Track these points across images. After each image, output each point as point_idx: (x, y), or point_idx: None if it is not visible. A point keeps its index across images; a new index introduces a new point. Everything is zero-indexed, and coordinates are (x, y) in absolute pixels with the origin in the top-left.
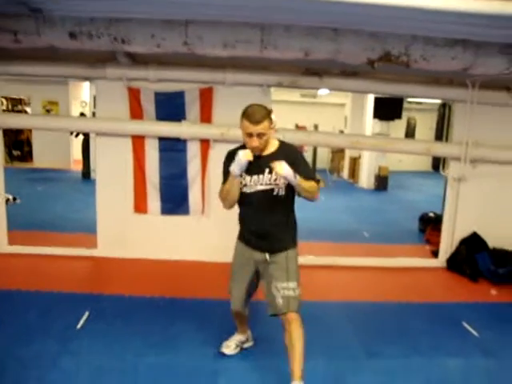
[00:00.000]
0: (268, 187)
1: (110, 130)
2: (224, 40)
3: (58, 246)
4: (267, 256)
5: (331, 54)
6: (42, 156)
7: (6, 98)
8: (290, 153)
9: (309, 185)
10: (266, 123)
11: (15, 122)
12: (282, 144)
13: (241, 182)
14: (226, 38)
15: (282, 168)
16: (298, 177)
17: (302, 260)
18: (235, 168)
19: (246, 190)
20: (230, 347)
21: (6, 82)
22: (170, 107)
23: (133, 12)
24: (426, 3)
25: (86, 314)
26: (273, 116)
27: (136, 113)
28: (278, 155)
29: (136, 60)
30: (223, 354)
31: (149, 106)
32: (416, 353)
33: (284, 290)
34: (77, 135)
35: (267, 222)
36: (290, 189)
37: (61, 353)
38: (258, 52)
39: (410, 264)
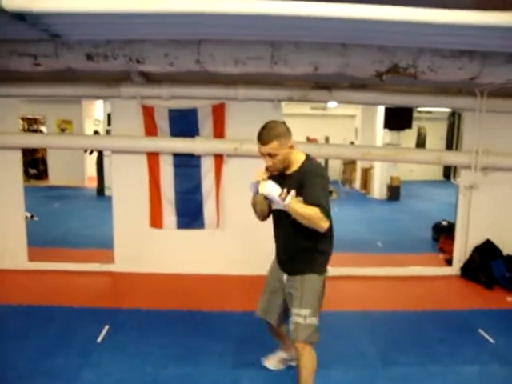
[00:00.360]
0: (279, 207)
1: (126, 148)
2: (235, 57)
3: (75, 262)
4: (285, 277)
5: (340, 67)
6: (57, 174)
7: (22, 118)
8: (305, 173)
9: (306, 211)
10: (274, 143)
11: (34, 141)
12: (305, 162)
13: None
14: (237, 55)
15: (263, 187)
16: (288, 199)
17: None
18: (249, 187)
19: (274, 207)
20: (270, 360)
21: (22, 102)
22: (184, 124)
23: (146, 33)
24: (432, 18)
25: (106, 327)
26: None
27: (150, 130)
28: (296, 175)
29: (150, 78)
30: (265, 367)
31: (163, 122)
32: (432, 361)
33: (295, 316)
34: (91, 153)
35: (287, 243)
36: None
37: (83, 365)
38: (268, 68)
39: (424, 273)
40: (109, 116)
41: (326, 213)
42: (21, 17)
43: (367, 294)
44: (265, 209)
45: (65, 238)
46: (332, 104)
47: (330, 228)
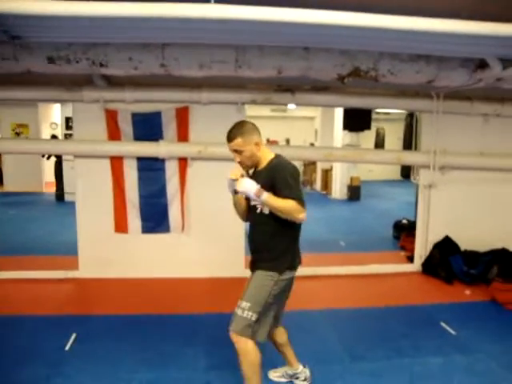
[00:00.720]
0: (255, 203)
1: (89, 152)
2: (200, 61)
3: (38, 270)
4: (250, 272)
5: (303, 70)
6: (13, 179)
7: None
8: (274, 169)
9: (281, 204)
10: (239, 140)
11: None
12: (274, 160)
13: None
14: (202, 59)
15: (241, 184)
16: (265, 195)
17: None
18: (227, 185)
19: (252, 203)
20: (275, 372)
21: None
22: (147, 127)
23: (110, 37)
24: (391, 23)
25: (74, 335)
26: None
27: (114, 134)
28: (264, 171)
29: (112, 82)
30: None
31: (126, 126)
32: (398, 354)
33: (237, 306)
34: (48, 157)
35: (254, 238)
36: None
37: (51, 375)
38: (232, 71)
39: (386, 270)
40: (67, 119)
41: (302, 204)
42: None
43: (331, 292)
44: (244, 207)
45: (24, 245)
46: (292, 106)
47: (296, 227)
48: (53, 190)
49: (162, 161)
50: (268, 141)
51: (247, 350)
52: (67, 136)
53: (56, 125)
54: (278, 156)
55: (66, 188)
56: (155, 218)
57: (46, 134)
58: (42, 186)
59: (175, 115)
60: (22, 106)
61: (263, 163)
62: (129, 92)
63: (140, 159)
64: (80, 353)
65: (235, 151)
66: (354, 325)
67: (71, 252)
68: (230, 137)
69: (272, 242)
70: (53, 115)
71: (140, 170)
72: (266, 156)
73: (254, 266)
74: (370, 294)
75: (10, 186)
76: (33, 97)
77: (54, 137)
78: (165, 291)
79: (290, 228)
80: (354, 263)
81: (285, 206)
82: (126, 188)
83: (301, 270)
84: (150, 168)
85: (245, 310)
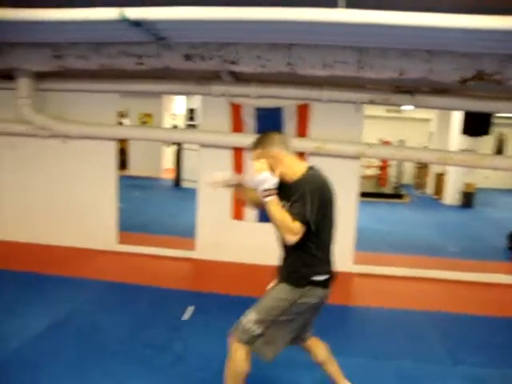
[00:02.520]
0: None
1: (214, 142)
2: (324, 61)
3: (159, 247)
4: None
5: (424, 73)
6: (137, 164)
7: None
8: (299, 184)
9: (277, 214)
10: (257, 151)
11: (137, 134)
12: (306, 174)
13: None
14: (326, 58)
15: (261, 173)
16: (269, 198)
17: (387, 271)
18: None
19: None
20: None
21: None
22: (269, 122)
23: (241, 37)
24: None
25: (190, 307)
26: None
27: (237, 126)
28: (294, 184)
29: (239, 78)
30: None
31: (249, 120)
32: (504, 363)
33: (244, 314)
34: (170, 146)
35: (281, 250)
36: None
37: (173, 339)
38: (354, 72)
39: (496, 280)
40: (191, 111)
41: (298, 224)
42: (137, 24)
43: (436, 295)
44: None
45: (147, 224)
46: (409, 107)
47: (324, 242)
48: (170, 176)
49: None
50: (382, 141)
51: (235, 360)
52: (189, 126)
53: (175, 115)
54: (311, 169)
55: (184, 175)
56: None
57: (167, 123)
58: (161, 172)
59: (296, 111)
60: (148, 98)
61: (294, 176)
62: (254, 88)
63: None
64: (196, 323)
65: (257, 160)
66: (457, 329)
67: (186, 234)
68: (252, 147)
69: (296, 255)
70: (173, 106)
71: None
72: (296, 169)
73: (279, 276)
74: (476, 301)
75: (133, 170)
76: (167, 90)
77: (174, 127)
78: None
79: (308, 241)
80: (462, 269)
81: (278, 217)
82: (246, 178)
83: (405, 271)
84: None
85: (248, 322)
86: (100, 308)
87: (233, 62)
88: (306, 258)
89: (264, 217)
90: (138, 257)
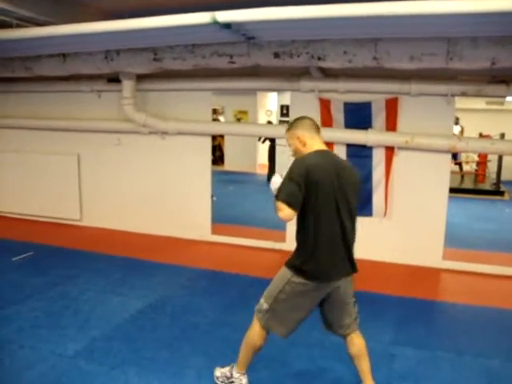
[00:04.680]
0: None
1: None
2: (411, 53)
3: (250, 239)
4: None
5: None
6: (232, 160)
7: None
8: (292, 163)
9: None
10: (287, 133)
11: (235, 129)
12: (306, 155)
13: None
14: (413, 51)
15: (272, 179)
16: (275, 191)
17: (478, 268)
18: None
19: None
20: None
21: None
22: (358, 116)
23: (327, 34)
24: None
25: None
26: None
27: (326, 121)
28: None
29: (326, 73)
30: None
31: (338, 115)
32: None
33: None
34: (264, 141)
35: None
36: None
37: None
38: (443, 63)
39: None
40: (282, 107)
41: (279, 205)
42: (227, 26)
43: None
44: None
45: (240, 217)
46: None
47: (311, 230)
48: (265, 171)
49: (370, 148)
50: (480, 135)
51: (251, 331)
52: (281, 122)
53: (271, 112)
54: (317, 152)
55: (278, 170)
56: (359, 203)
57: (261, 120)
58: (256, 167)
59: (385, 106)
60: (243, 95)
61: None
62: (342, 83)
63: (349, 146)
64: None
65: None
66: None
67: (277, 227)
68: (286, 129)
69: (298, 237)
70: (268, 103)
71: (348, 156)
72: (308, 151)
73: None
74: None
75: (228, 165)
76: (258, 87)
77: (269, 123)
78: (361, 270)
79: (305, 221)
80: None
81: (275, 202)
82: None
83: (497, 269)
84: (358, 155)
85: (258, 303)
86: (193, 293)
87: (320, 58)
88: (298, 242)
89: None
90: (229, 247)
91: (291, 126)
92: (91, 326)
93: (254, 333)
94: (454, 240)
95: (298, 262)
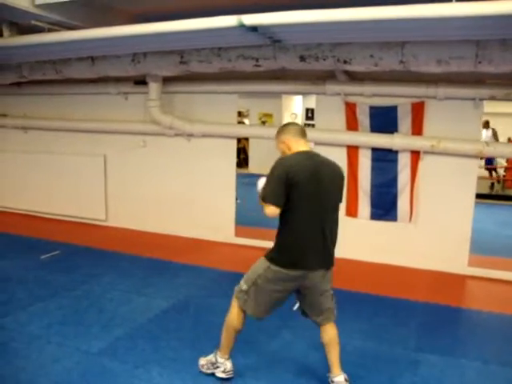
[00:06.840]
0: None
1: (329, 140)
2: (438, 57)
3: (272, 241)
4: None
5: None
6: (257, 163)
7: None
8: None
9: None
10: (275, 140)
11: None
12: (287, 156)
13: None
14: (441, 55)
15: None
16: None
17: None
18: None
19: None
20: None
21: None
22: (384, 120)
23: (354, 37)
24: None
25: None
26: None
27: (352, 125)
28: None
29: (352, 77)
30: None
31: (364, 118)
32: None
33: None
34: None
35: None
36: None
37: (282, 327)
38: (472, 67)
39: None
40: (307, 110)
41: (264, 202)
42: (254, 29)
43: None
44: None
45: (262, 220)
46: None
47: (293, 228)
48: None
49: (396, 152)
50: (509, 140)
51: (230, 313)
52: (306, 125)
53: (295, 115)
54: (299, 153)
55: None
56: (384, 207)
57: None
58: None
59: (411, 110)
60: (268, 98)
61: None
62: (368, 86)
63: (374, 150)
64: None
65: None
66: None
67: None
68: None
69: (278, 231)
70: (293, 106)
71: (374, 160)
72: (290, 152)
73: None
74: None
75: (253, 168)
76: (283, 90)
77: None
78: (387, 276)
79: (287, 216)
80: None
81: (259, 200)
82: (360, 176)
83: None
84: (384, 159)
85: (238, 285)
86: (216, 294)
87: (345, 62)
88: (276, 235)
89: (377, 214)
90: (252, 249)
91: (278, 132)
92: (115, 325)
93: (233, 315)
94: (480, 246)
95: (276, 253)
